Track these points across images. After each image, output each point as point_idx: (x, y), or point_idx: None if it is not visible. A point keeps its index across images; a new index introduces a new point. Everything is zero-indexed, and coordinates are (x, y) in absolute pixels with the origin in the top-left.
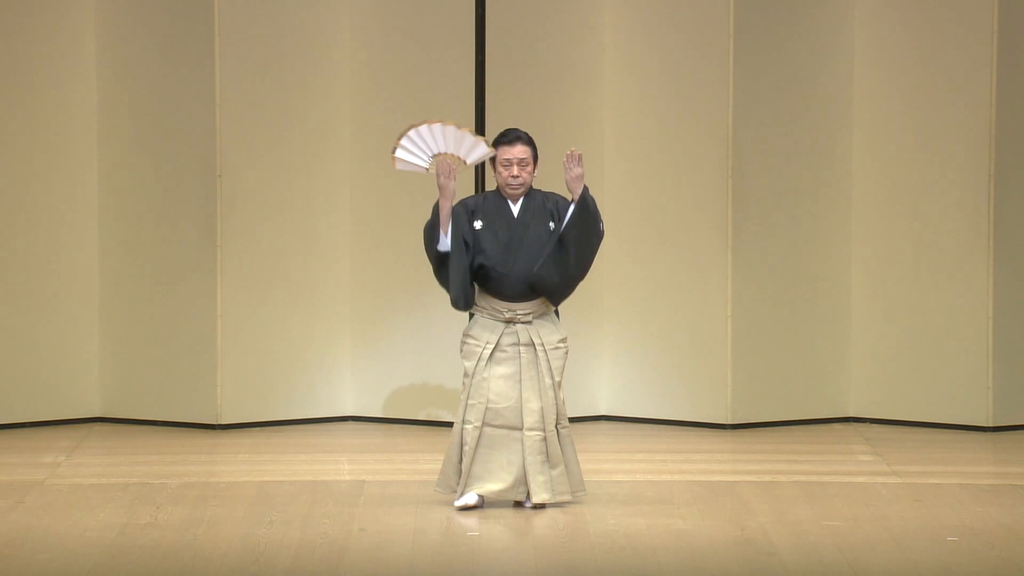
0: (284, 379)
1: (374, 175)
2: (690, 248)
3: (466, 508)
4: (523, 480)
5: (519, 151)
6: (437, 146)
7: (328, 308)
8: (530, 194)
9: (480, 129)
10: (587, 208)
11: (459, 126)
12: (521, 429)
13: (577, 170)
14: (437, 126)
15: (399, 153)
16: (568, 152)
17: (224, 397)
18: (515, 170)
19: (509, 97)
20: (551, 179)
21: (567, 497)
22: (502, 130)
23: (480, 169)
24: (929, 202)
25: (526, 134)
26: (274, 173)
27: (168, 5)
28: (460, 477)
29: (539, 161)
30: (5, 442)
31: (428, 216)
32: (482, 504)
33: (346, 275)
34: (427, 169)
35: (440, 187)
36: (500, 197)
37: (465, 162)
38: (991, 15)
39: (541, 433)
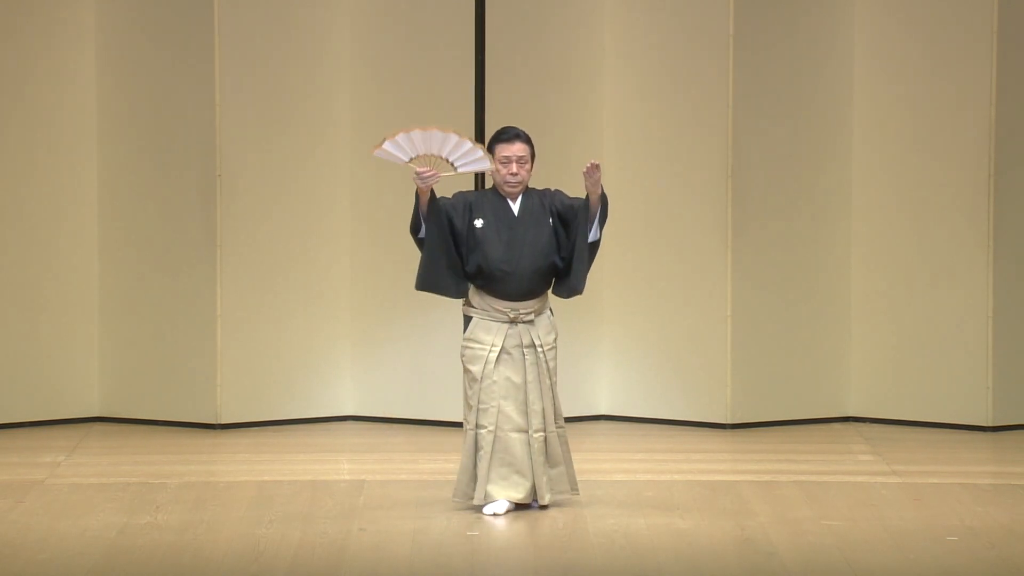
0: (284, 379)
1: (374, 174)
2: (690, 248)
3: (495, 515)
4: (529, 484)
5: (518, 149)
6: (426, 149)
7: (328, 308)
8: (527, 192)
9: (480, 128)
10: (606, 208)
11: (460, 135)
12: (527, 431)
13: (596, 175)
14: (434, 132)
15: (385, 147)
16: (590, 164)
17: (224, 397)
18: (514, 167)
19: (509, 96)
20: (550, 178)
21: (567, 495)
22: (499, 128)
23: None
24: (929, 202)
25: (524, 132)
26: (274, 172)
27: (168, 5)
28: (477, 483)
29: (537, 159)
30: (5, 442)
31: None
32: (512, 509)
33: (346, 275)
34: (407, 163)
35: (417, 187)
36: (498, 195)
37: (455, 168)
38: (991, 14)
39: (543, 434)
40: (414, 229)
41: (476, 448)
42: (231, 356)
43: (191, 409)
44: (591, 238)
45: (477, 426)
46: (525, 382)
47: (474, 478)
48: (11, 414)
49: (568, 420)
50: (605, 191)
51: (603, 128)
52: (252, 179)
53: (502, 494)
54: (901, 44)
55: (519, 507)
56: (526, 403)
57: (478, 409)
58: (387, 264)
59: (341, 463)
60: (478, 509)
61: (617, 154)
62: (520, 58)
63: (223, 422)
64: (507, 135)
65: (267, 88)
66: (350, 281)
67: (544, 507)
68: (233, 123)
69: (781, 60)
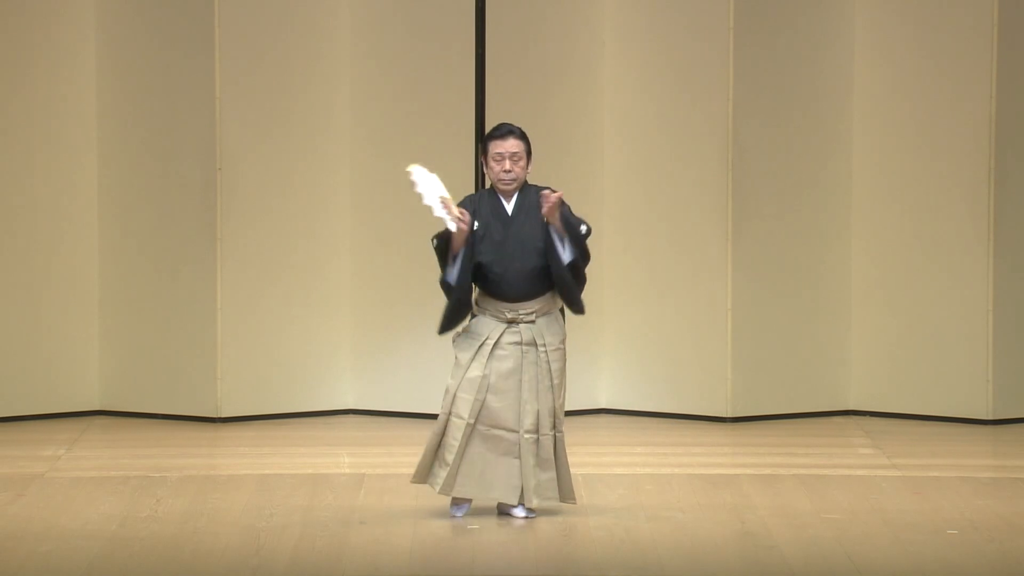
0: (284, 372)
1: (374, 167)
2: (691, 241)
3: (458, 505)
4: (515, 484)
5: (511, 145)
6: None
7: (328, 301)
8: (524, 189)
9: (480, 123)
10: (573, 235)
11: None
12: (517, 431)
13: (553, 198)
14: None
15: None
16: (548, 194)
17: (224, 390)
18: (507, 164)
19: (509, 90)
20: (550, 173)
21: (554, 502)
22: (494, 125)
23: (478, 167)
24: (929, 195)
25: (518, 128)
26: (274, 166)
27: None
28: (442, 469)
29: (537, 154)
30: (6, 435)
31: (426, 211)
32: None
33: (346, 268)
34: (437, 199)
35: (455, 228)
36: (494, 195)
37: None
38: (991, 7)
39: (535, 435)
40: (441, 264)
41: (444, 434)
42: (231, 349)
43: (191, 402)
44: (566, 260)
45: (452, 414)
46: (520, 380)
47: (436, 462)
48: (12, 407)
49: (568, 414)
50: (598, 188)
51: (603, 121)
52: (252, 173)
53: (471, 492)
54: (901, 37)
55: (502, 513)
56: (519, 402)
57: (456, 396)
58: (387, 257)
59: (341, 456)
60: (480, 503)
61: (617, 147)
62: (520, 51)
63: (223, 415)
64: (500, 131)
65: (267, 82)
66: (350, 274)
67: (531, 511)
68: (233, 117)
69: (781, 53)
